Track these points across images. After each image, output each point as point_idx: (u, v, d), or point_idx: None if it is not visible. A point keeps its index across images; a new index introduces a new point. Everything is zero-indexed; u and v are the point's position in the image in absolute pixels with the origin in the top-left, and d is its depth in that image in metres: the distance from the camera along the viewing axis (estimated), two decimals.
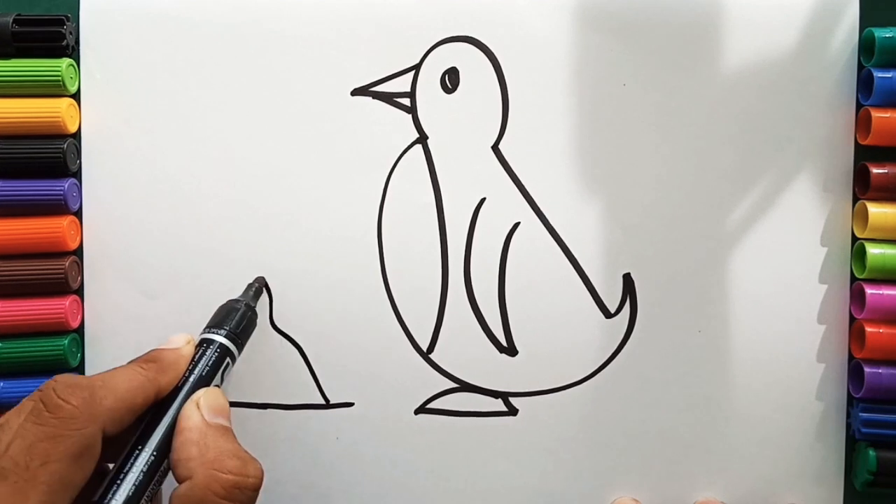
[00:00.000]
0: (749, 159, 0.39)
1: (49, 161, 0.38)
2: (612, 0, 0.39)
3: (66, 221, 0.38)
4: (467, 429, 0.39)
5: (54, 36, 0.38)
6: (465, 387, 0.39)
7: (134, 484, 0.30)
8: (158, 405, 0.32)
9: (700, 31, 0.39)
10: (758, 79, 0.39)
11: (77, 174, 0.39)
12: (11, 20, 0.38)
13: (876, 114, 0.37)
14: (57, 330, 0.38)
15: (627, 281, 0.39)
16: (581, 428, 0.39)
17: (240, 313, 0.36)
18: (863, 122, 0.38)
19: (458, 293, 0.39)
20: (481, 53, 0.39)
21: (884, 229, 0.38)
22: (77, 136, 0.39)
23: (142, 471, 0.30)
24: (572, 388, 0.39)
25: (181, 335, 0.34)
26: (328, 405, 0.39)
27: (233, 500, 0.29)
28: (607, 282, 0.39)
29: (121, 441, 0.31)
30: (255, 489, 0.30)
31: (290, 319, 0.39)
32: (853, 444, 0.39)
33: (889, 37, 0.37)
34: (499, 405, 0.39)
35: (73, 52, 0.39)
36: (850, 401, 0.39)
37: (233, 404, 0.39)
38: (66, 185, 0.38)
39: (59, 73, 0.37)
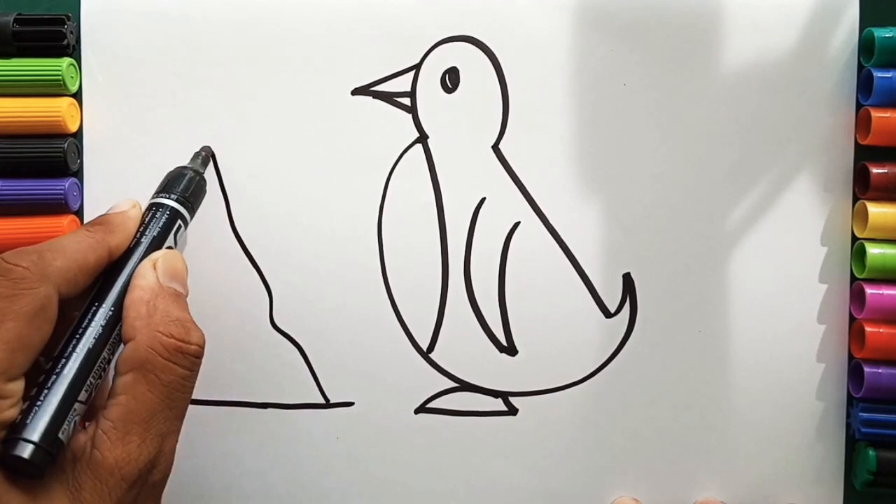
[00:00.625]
0: (749, 159, 0.39)
1: (50, 161, 0.38)
2: (612, 0, 0.39)
3: (66, 221, 0.38)
4: (467, 428, 0.39)
5: (55, 35, 0.38)
6: (465, 386, 0.39)
7: (93, 338, 0.31)
8: (113, 265, 0.32)
9: (700, 31, 0.39)
10: (758, 79, 0.39)
11: (78, 174, 0.39)
12: (12, 20, 0.38)
13: (876, 114, 0.37)
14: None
15: (627, 281, 0.39)
16: (581, 428, 0.39)
17: (187, 178, 0.36)
18: (863, 122, 0.38)
19: (458, 293, 0.39)
20: (481, 53, 0.39)
21: (884, 229, 0.38)
22: (78, 135, 0.39)
23: (101, 325, 0.31)
24: (572, 388, 0.39)
25: (126, 200, 0.35)
26: (328, 405, 0.39)
27: (177, 362, 0.30)
28: (607, 281, 0.39)
29: (78, 305, 0.32)
30: (197, 356, 0.31)
31: (290, 319, 0.39)
32: (853, 443, 0.39)
33: (889, 37, 0.37)
34: (499, 405, 0.40)
35: (73, 51, 0.39)
36: (850, 401, 0.39)
37: (233, 404, 0.39)
38: (67, 185, 0.38)
39: (59, 73, 0.38)
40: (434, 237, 0.39)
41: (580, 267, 0.39)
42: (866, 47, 0.38)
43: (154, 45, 0.39)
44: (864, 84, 0.38)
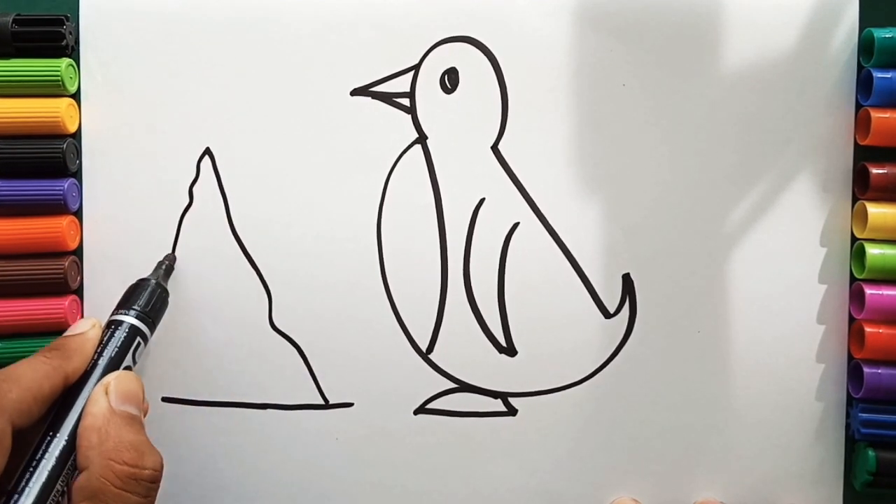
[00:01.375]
0: (749, 159, 0.39)
1: (49, 161, 0.38)
2: (612, 0, 0.39)
3: (65, 221, 0.38)
4: (467, 429, 0.39)
5: (54, 36, 0.38)
6: (464, 387, 0.39)
7: (48, 470, 0.30)
8: (68, 391, 0.32)
9: (700, 31, 0.39)
10: (758, 79, 0.39)
11: (77, 174, 0.39)
12: (11, 20, 0.38)
13: (875, 114, 0.37)
14: (57, 330, 0.38)
15: (627, 281, 0.39)
16: (580, 428, 0.39)
17: (148, 291, 0.35)
18: (862, 123, 0.38)
19: (457, 293, 0.39)
20: (481, 53, 0.39)
21: (883, 229, 0.38)
22: (77, 135, 0.39)
23: (55, 457, 0.30)
24: (572, 389, 0.39)
25: (86, 319, 0.34)
26: (328, 405, 0.39)
27: (130, 491, 0.29)
28: (607, 282, 0.39)
29: (34, 433, 0.31)
30: (153, 481, 0.30)
31: (290, 319, 0.39)
32: (852, 444, 0.39)
33: (888, 37, 0.37)
34: (498, 405, 0.39)
35: (72, 51, 0.39)
36: (850, 401, 0.39)
37: (233, 405, 0.39)
38: (66, 185, 0.38)
39: (58, 73, 0.37)
40: (433, 238, 0.39)
41: (579, 267, 0.39)
42: (866, 47, 0.38)
43: (153, 46, 0.39)
44: (864, 84, 0.38)
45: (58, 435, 0.31)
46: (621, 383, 0.39)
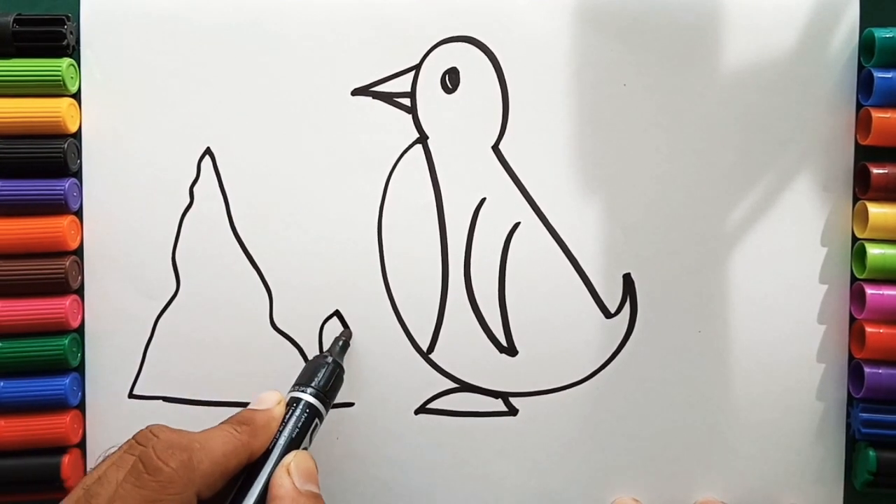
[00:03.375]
0: (749, 159, 0.39)
1: (49, 161, 0.38)
2: (612, 0, 0.39)
3: (66, 221, 0.38)
4: (467, 429, 0.39)
5: (55, 36, 0.38)
6: (465, 387, 0.39)
7: None
8: (250, 468, 0.32)
9: (700, 31, 0.39)
10: (758, 79, 0.39)
11: (77, 174, 0.39)
12: (12, 20, 0.38)
13: (876, 114, 0.37)
14: (57, 329, 0.38)
15: (627, 281, 0.39)
16: (581, 428, 0.39)
17: (328, 370, 0.36)
18: (863, 123, 0.38)
19: (458, 293, 0.39)
20: (481, 53, 0.39)
21: (884, 229, 0.38)
22: (77, 135, 0.39)
23: None
24: (572, 389, 0.39)
25: (271, 393, 0.34)
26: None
27: None
28: (607, 282, 0.39)
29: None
30: None
31: (290, 319, 0.39)
32: (853, 444, 0.39)
33: (889, 37, 0.37)
34: (499, 405, 0.39)
35: (73, 51, 0.39)
36: (850, 401, 0.39)
37: (233, 404, 0.39)
38: (67, 185, 0.38)
39: (59, 73, 0.37)
40: (434, 237, 0.39)
41: (580, 267, 0.39)
42: (866, 47, 0.38)
43: (154, 46, 0.39)
44: (865, 84, 0.38)
45: None
46: (622, 383, 0.39)
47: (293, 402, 0.34)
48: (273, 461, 0.32)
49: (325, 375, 0.36)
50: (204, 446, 0.30)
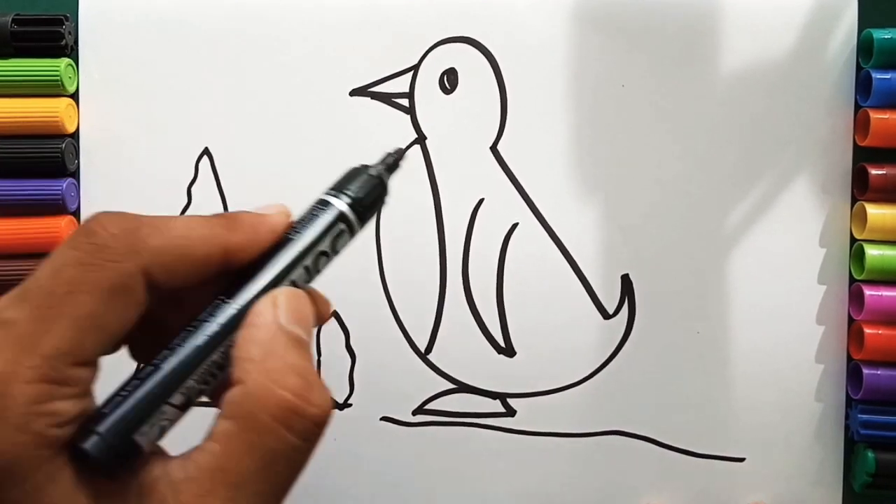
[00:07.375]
0: (748, 160, 0.39)
1: (47, 161, 0.38)
2: (611, 1, 0.39)
3: (64, 221, 0.38)
4: (465, 430, 0.39)
5: (53, 36, 0.38)
6: (463, 388, 0.39)
7: (208, 335, 0.24)
8: (250, 265, 0.26)
9: (699, 32, 0.39)
10: (757, 80, 0.39)
11: (75, 174, 0.39)
12: (10, 20, 0.38)
13: (874, 115, 0.37)
14: None
15: (626, 282, 0.39)
16: (579, 429, 0.39)
17: (369, 182, 0.28)
18: (861, 124, 0.38)
19: (456, 294, 0.39)
20: (480, 54, 0.39)
21: (882, 230, 0.38)
22: (75, 135, 0.39)
23: (220, 323, 0.24)
24: (570, 389, 0.39)
25: (278, 204, 0.28)
26: None
27: (288, 426, 0.23)
28: (606, 283, 0.39)
29: (186, 302, 0.26)
30: (317, 424, 0.24)
31: None
32: (852, 445, 0.39)
33: (888, 38, 0.37)
34: (497, 406, 0.39)
35: (71, 52, 0.39)
36: (849, 402, 0.39)
37: None
38: (65, 185, 0.38)
39: (57, 73, 0.37)
40: (432, 238, 0.39)
41: (578, 268, 0.39)
42: (865, 48, 0.38)
43: (152, 46, 0.39)
44: (863, 85, 0.38)
45: (231, 302, 0.25)
46: (620, 384, 0.39)
47: (320, 205, 0.27)
48: (287, 257, 0.26)
49: (363, 186, 0.28)
50: (158, 223, 0.25)
